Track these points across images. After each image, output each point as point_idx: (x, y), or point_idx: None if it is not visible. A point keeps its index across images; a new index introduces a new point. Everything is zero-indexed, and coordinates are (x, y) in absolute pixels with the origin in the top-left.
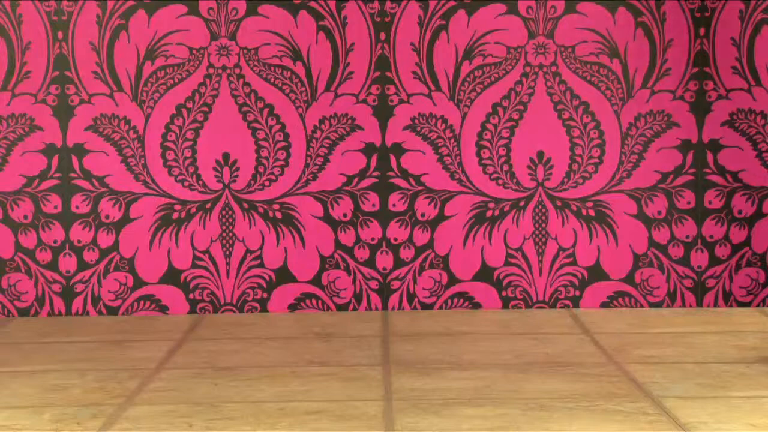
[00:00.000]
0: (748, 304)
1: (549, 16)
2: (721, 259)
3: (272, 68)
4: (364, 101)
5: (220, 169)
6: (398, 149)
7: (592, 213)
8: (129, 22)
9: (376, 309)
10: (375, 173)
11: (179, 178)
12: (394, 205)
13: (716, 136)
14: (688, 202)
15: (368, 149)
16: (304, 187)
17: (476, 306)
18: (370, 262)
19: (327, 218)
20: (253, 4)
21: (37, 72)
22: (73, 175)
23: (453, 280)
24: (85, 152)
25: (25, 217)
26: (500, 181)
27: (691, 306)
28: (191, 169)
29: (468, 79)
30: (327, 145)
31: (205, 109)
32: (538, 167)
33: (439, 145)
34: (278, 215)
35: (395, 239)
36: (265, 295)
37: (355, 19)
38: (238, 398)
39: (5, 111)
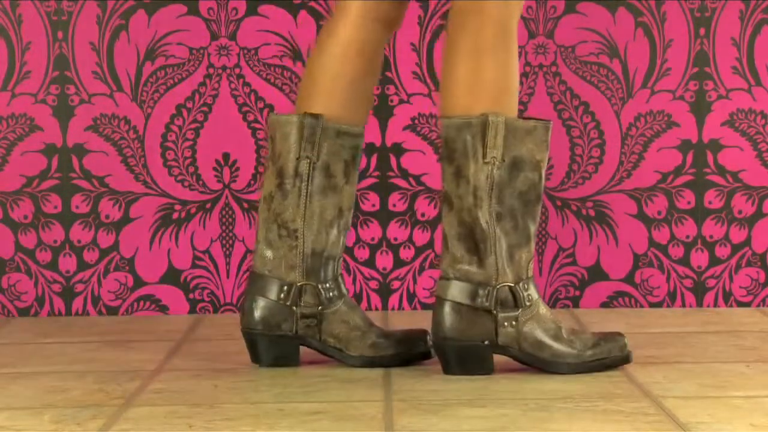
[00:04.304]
0: (748, 304)
1: (549, 16)
2: (721, 259)
3: (272, 68)
4: None
5: (220, 169)
6: (398, 149)
7: (592, 213)
8: (129, 22)
9: (376, 309)
10: (375, 173)
11: (179, 178)
12: (394, 205)
13: (716, 136)
14: (688, 202)
15: (368, 149)
16: None
17: None
18: (370, 262)
19: None
20: (253, 4)
21: (37, 72)
22: (73, 175)
23: None
24: (85, 152)
25: (25, 217)
26: None
27: (691, 306)
28: (191, 169)
29: None
30: None
31: (205, 109)
32: None
33: (440, 145)
34: None
35: (395, 239)
36: None
37: None
38: (238, 399)
39: (5, 111)
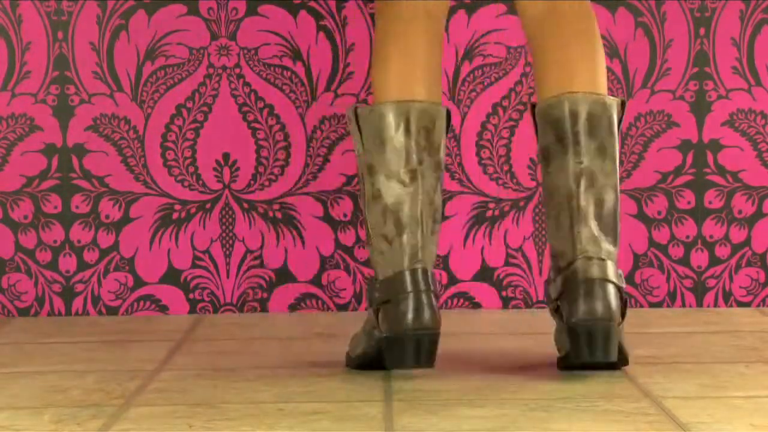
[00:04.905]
0: (748, 304)
1: None
2: (721, 259)
3: (272, 68)
4: (365, 101)
5: (220, 169)
6: None
7: None
8: (129, 22)
9: None
10: None
11: (179, 178)
12: None
13: (716, 136)
14: (688, 202)
15: None
16: (304, 187)
17: (476, 306)
18: (369, 262)
19: (327, 218)
20: (253, 4)
21: (37, 72)
22: (73, 175)
23: (453, 280)
24: (85, 152)
25: (25, 217)
26: (500, 181)
27: (691, 306)
28: (191, 169)
29: (468, 79)
30: (327, 145)
31: (205, 109)
32: (538, 167)
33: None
34: (278, 215)
35: None
36: (265, 295)
37: (355, 19)
38: (238, 399)
39: (5, 111)
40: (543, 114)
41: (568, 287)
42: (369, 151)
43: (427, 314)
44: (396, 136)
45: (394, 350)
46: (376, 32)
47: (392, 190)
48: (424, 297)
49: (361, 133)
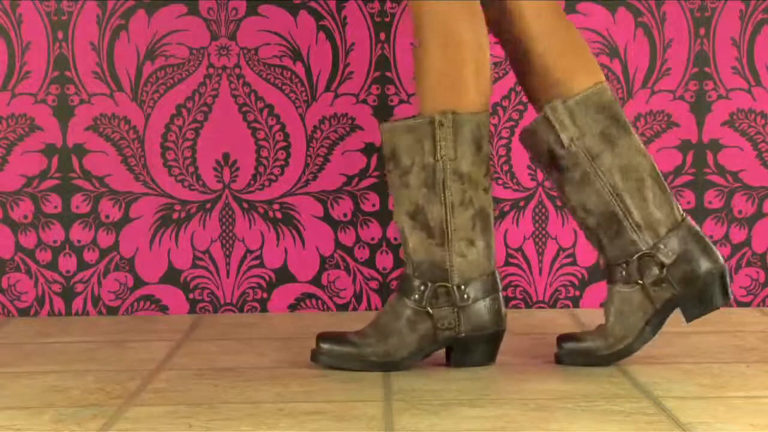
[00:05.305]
0: (748, 304)
1: None
2: None
3: (272, 68)
4: (364, 101)
5: (220, 169)
6: None
7: None
8: (129, 22)
9: (376, 309)
10: (375, 173)
11: (179, 178)
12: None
13: (716, 136)
14: (688, 202)
15: (368, 149)
16: (304, 187)
17: None
18: (370, 262)
19: (327, 218)
20: (253, 4)
21: (37, 72)
22: (73, 175)
23: None
24: (85, 152)
25: (25, 217)
26: (500, 181)
27: None
28: (191, 169)
29: None
30: (327, 145)
31: (205, 109)
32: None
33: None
34: (278, 215)
35: (395, 239)
36: (265, 295)
37: (355, 19)
38: (237, 399)
39: (5, 111)
40: (588, 103)
41: (693, 243)
42: (462, 157)
43: (503, 313)
44: (486, 144)
45: (477, 348)
46: (439, 35)
47: (480, 197)
48: (501, 297)
49: (455, 139)
